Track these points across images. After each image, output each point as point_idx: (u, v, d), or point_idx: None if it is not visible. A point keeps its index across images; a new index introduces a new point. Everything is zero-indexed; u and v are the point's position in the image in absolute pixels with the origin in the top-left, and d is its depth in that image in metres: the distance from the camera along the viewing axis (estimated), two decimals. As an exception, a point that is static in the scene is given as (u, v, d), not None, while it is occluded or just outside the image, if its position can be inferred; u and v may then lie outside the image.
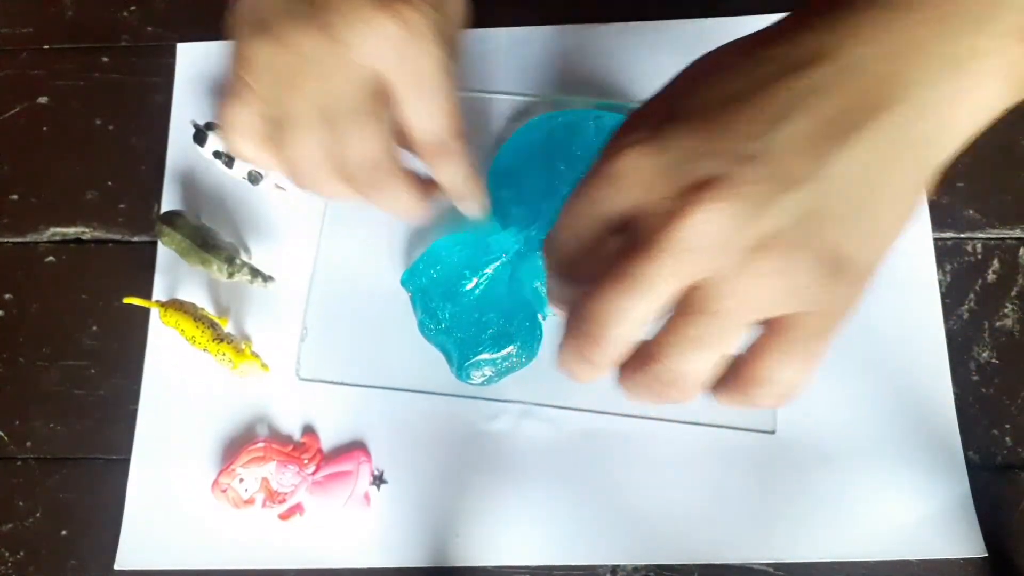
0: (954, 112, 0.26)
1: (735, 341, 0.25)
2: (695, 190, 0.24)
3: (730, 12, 0.47)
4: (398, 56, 0.33)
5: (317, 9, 0.32)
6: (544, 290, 0.43)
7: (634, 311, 0.25)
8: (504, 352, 0.42)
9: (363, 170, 0.35)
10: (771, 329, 0.25)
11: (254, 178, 0.45)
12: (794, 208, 0.24)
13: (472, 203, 0.39)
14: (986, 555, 0.40)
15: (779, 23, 0.27)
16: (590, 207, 0.27)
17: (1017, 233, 0.45)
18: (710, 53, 0.28)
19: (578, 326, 0.26)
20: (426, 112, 0.34)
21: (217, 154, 0.45)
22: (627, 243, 0.26)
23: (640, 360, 0.26)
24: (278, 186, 0.46)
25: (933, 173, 0.26)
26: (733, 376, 0.26)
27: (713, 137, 0.24)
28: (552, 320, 0.44)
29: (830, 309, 0.25)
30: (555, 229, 0.29)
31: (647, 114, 0.27)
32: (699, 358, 0.25)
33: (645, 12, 0.48)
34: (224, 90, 0.36)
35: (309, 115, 0.34)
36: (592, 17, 0.49)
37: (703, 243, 0.24)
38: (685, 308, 0.25)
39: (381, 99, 0.34)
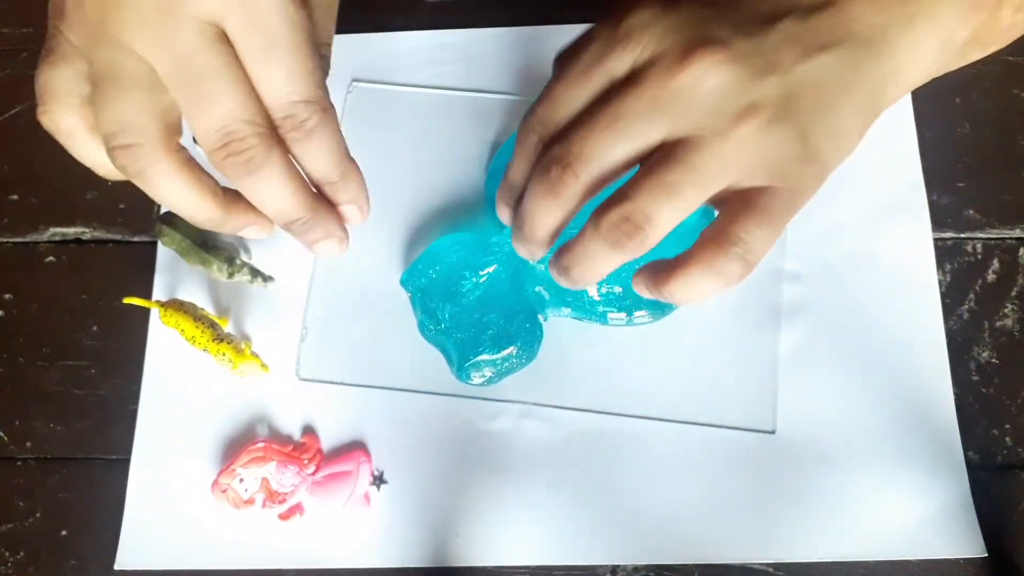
0: (911, 62, 0.28)
1: (703, 199, 0.27)
2: (698, 46, 0.26)
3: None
4: (235, 3, 0.26)
5: None
6: (546, 293, 0.43)
7: (617, 148, 0.26)
8: (504, 353, 0.42)
9: (218, 139, 0.27)
10: (743, 197, 0.27)
11: None
12: (779, 86, 0.26)
13: (345, 202, 0.31)
14: (986, 555, 0.40)
15: None
16: (595, 64, 0.28)
17: (1017, 233, 0.45)
18: None
19: (559, 157, 0.27)
20: (270, 75, 0.27)
21: None
22: (622, 84, 0.27)
23: (612, 201, 0.27)
24: None
25: (878, 111, 0.28)
26: (707, 240, 0.27)
27: (721, 9, 0.26)
28: (553, 321, 0.44)
29: (796, 187, 0.27)
30: (552, 88, 0.29)
31: None
32: (670, 206, 0.26)
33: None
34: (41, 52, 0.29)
35: (133, 70, 0.27)
36: (592, 17, 0.48)
37: (696, 95, 0.26)
38: (665, 156, 0.26)
39: (227, 52, 0.27)
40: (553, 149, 0.27)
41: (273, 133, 0.28)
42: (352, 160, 0.30)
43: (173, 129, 0.28)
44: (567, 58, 0.29)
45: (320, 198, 0.30)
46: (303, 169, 0.29)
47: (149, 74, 0.27)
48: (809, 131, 0.26)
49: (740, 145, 0.26)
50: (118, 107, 0.27)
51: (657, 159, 0.26)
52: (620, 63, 0.27)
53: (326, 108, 0.28)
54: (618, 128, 0.26)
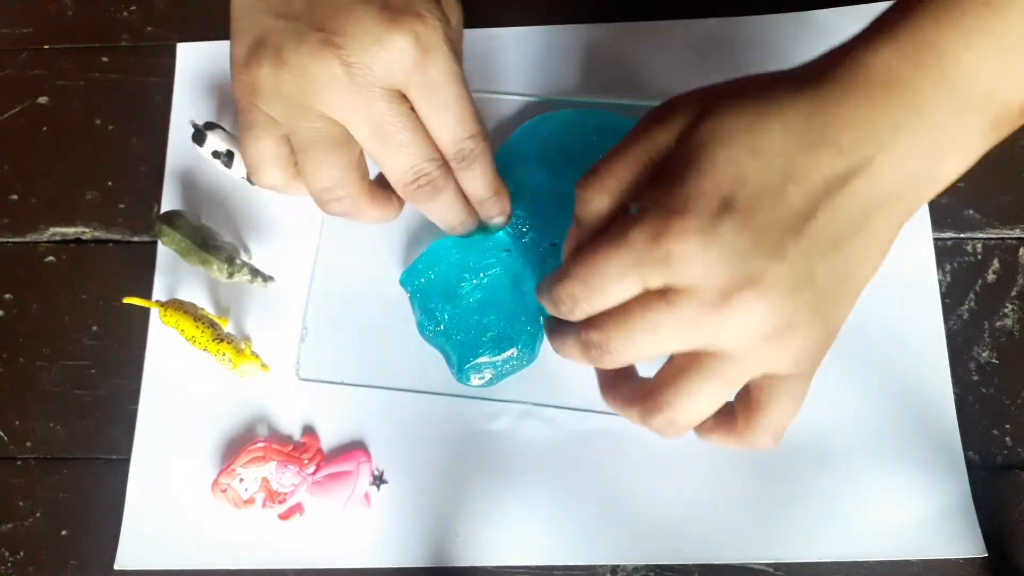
0: (939, 187, 0.29)
1: (731, 395, 0.30)
2: (739, 287, 0.27)
3: (731, 12, 0.47)
4: (414, 72, 0.32)
5: (325, 30, 0.31)
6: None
7: (653, 349, 0.29)
8: (505, 355, 0.42)
9: (412, 179, 0.35)
10: (768, 381, 0.30)
11: None
12: (812, 298, 0.28)
13: (497, 213, 0.39)
14: (986, 555, 0.40)
15: (795, 89, 0.29)
16: (631, 270, 0.29)
17: (1017, 233, 0.45)
18: (743, 113, 0.29)
19: (598, 343, 0.30)
20: (444, 123, 0.34)
21: (216, 154, 0.45)
22: (657, 297, 0.29)
23: (645, 395, 0.31)
24: None
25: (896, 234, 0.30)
26: (738, 420, 0.32)
27: (758, 235, 0.27)
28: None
29: (816, 366, 0.30)
30: (587, 271, 0.30)
31: (701, 193, 0.28)
32: (696, 407, 0.30)
33: (646, 12, 0.48)
34: (239, 123, 0.35)
35: (330, 135, 0.33)
36: (593, 17, 0.49)
37: (735, 327, 0.28)
38: (697, 364, 0.29)
39: (407, 109, 0.33)
40: (592, 333, 0.31)
41: (448, 166, 0.35)
42: (501, 180, 0.38)
43: (364, 172, 0.36)
44: (602, 244, 0.30)
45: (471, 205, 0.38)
46: (466, 190, 0.37)
47: (344, 135, 0.33)
48: (835, 321, 0.30)
49: (767, 356, 0.29)
50: (324, 170, 0.34)
51: (687, 363, 0.30)
52: (656, 279, 0.29)
53: (486, 139, 0.36)
54: (658, 336, 0.29)
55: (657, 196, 0.29)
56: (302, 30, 0.32)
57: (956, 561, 0.40)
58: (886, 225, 0.29)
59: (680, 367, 0.30)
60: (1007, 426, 0.42)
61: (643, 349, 0.30)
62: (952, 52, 0.27)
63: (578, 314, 0.31)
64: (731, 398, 0.31)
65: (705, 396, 0.30)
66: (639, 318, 0.29)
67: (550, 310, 0.32)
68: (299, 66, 0.31)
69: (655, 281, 0.29)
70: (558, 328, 0.33)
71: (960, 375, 0.43)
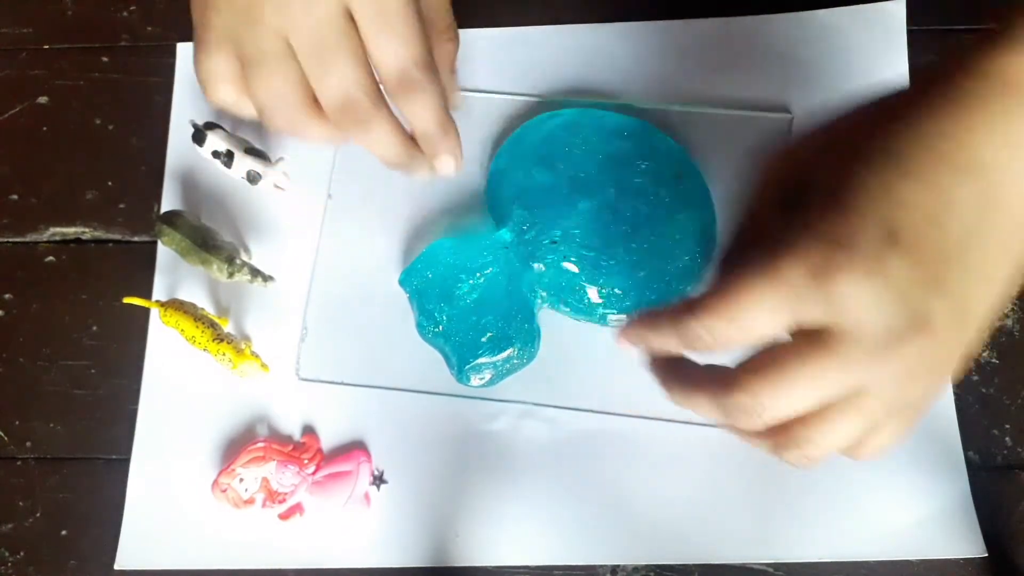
0: None
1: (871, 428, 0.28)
2: (908, 331, 0.26)
3: (731, 12, 0.47)
4: None
5: None
6: (542, 297, 0.43)
7: (808, 403, 0.27)
8: (504, 355, 0.42)
9: (339, 104, 0.33)
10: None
11: (253, 178, 0.45)
12: (965, 338, 0.27)
13: (443, 150, 0.36)
14: (986, 555, 0.40)
15: (933, 105, 0.27)
16: (783, 312, 0.27)
17: (1017, 233, 0.45)
18: (891, 129, 0.27)
19: (747, 408, 0.28)
20: (388, 42, 0.33)
21: (216, 154, 0.45)
22: (813, 343, 0.27)
23: (791, 435, 0.29)
24: (277, 186, 0.46)
25: None
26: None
27: (924, 272, 0.26)
28: (554, 322, 0.44)
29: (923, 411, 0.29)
30: (729, 296, 0.28)
31: (864, 224, 0.26)
32: (839, 442, 0.29)
33: (645, 12, 0.48)
34: (194, 42, 0.34)
35: (275, 49, 0.33)
36: (592, 17, 0.49)
37: (901, 374, 0.26)
38: (856, 410, 0.27)
39: (349, 29, 0.32)
40: (737, 396, 0.28)
41: (381, 98, 0.33)
42: (451, 117, 0.35)
43: (307, 88, 0.33)
44: (752, 276, 0.28)
45: (416, 145, 0.36)
46: (411, 122, 0.35)
47: (286, 48, 0.32)
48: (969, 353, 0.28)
49: (917, 392, 0.28)
50: (268, 82, 0.33)
51: (843, 407, 0.28)
52: (814, 317, 0.26)
53: (432, 69, 0.34)
54: (819, 385, 0.27)
55: (813, 224, 0.27)
56: None
57: (956, 561, 0.40)
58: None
59: (838, 409, 0.28)
60: (1007, 426, 0.42)
61: (799, 402, 0.27)
62: None
63: (717, 347, 0.28)
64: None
65: (845, 433, 0.28)
66: (796, 368, 0.27)
67: (672, 342, 0.29)
68: None
69: (812, 319, 0.26)
70: (680, 378, 0.30)
71: (960, 375, 0.43)
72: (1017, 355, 0.43)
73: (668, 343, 0.30)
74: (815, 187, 0.28)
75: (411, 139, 0.35)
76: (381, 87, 0.34)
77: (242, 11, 0.32)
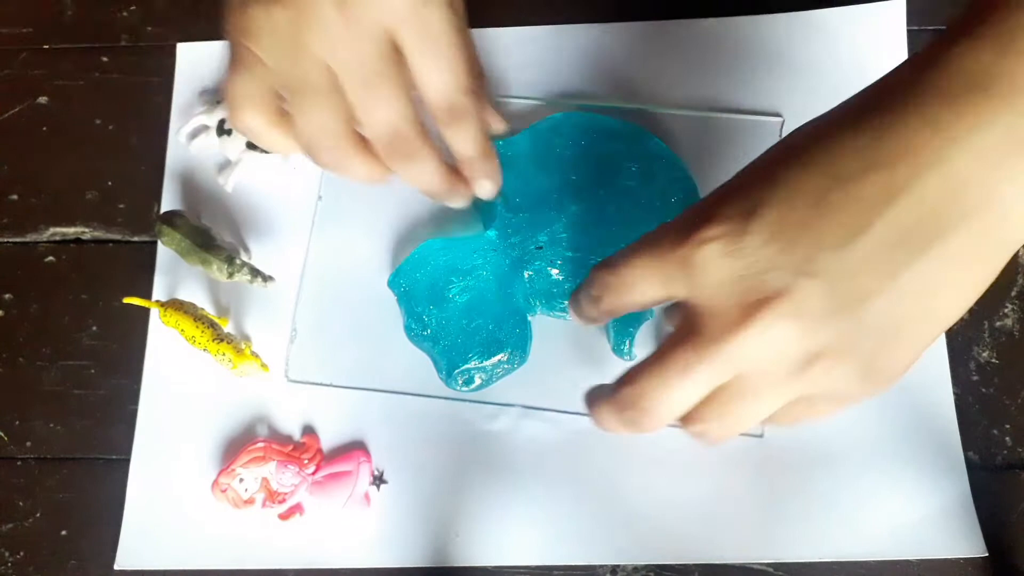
0: None
1: (770, 413, 0.28)
2: (761, 303, 0.25)
3: (731, 12, 0.47)
4: (407, 11, 0.31)
5: None
6: (537, 306, 0.43)
7: (681, 394, 0.27)
8: (494, 360, 0.42)
9: (388, 138, 0.33)
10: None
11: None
12: (851, 326, 0.25)
13: (484, 174, 0.37)
14: (986, 555, 0.40)
15: (862, 102, 0.26)
16: (654, 281, 0.28)
17: (1017, 233, 0.45)
18: (802, 130, 0.27)
19: (627, 394, 0.29)
20: (435, 68, 0.32)
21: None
22: (686, 329, 0.27)
23: (687, 419, 0.29)
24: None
25: (1000, 268, 0.25)
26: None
27: (786, 247, 0.25)
28: (552, 324, 0.44)
29: (853, 401, 0.28)
30: (617, 266, 0.29)
31: (731, 200, 0.27)
32: (726, 425, 0.28)
33: (647, 12, 0.48)
34: (226, 62, 0.33)
35: (321, 81, 0.31)
36: (592, 17, 0.48)
37: (758, 353, 0.26)
38: (728, 390, 0.27)
39: (396, 60, 0.32)
40: (623, 392, 0.29)
41: (425, 129, 0.33)
42: (491, 141, 0.36)
43: (352, 122, 0.33)
44: (631, 247, 0.29)
45: (456, 174, 0.36)
46: (453, 148, 0.35)
47: (331, 80, 0.31)
48: (882, 358, 0.26)
49: (800, 385, 0.26)
50: (313, 115, 0.32)
51: (721, 387, 0.27)
52: (678, 287, 0.27)
53: (480, 98, 0.34)
54: (685, 381, 0.27)
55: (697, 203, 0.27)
56: None
57: (956, 561, 0.40)
58: (968, 248, 0.24)
59: (715, 395, 0.28)
60: (1007, 426, 0.42)
61: (678, 394, 0.27)
62: None
63: (602, 309, 0.30)
64: (769, 415, 0.28)
65: (743, 418, 0.28)
66: (671, 361, 0.27)
67: (574, 312, 0.32)
68: (292, 3, 0.31)
69: (679, 292, 0.27)
70: (595, 398, 0.31)
71: (960, 375, 0.43)
72: (1017, 355, 0.43)
73: (580, 318, 0.32)
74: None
75: (451, 168, 0.36)
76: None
77: (286, 38, 0.31)
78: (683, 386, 0.27)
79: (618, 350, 0.42)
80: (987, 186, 0.23)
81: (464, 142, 0.35)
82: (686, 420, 0.29)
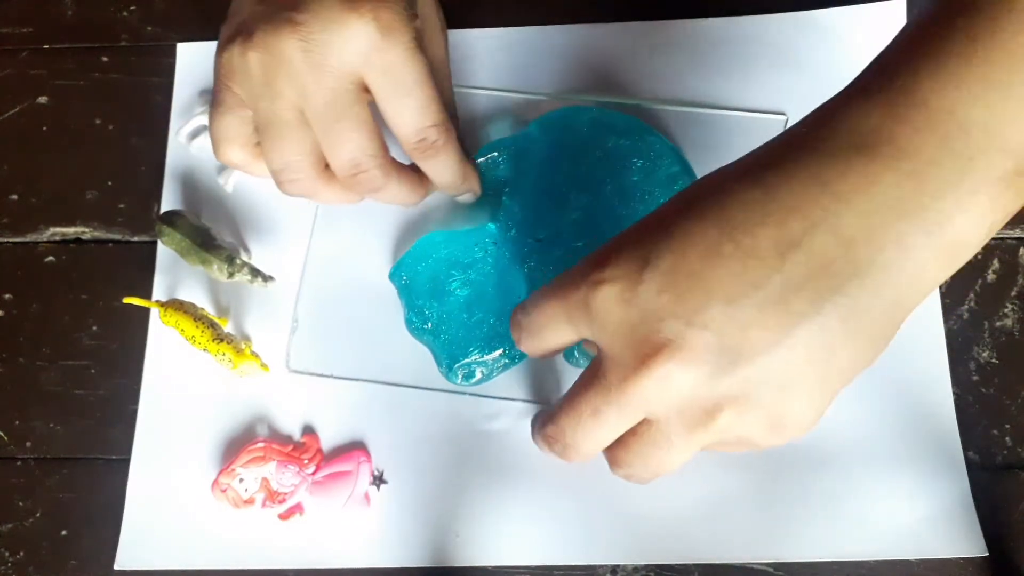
0: (929, 269, 0.25)
1: (687, 459, 0.29)
2: (656, 351, 0.25)
3: (731, 12, 0.47)
4: (373, 55, 0.33)
5: (291, 11, 0.32)
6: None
7: (596, 433, 0.29)
8: (495, 354, 0.42)
9: (350, 172, 0.35)
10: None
11: None
12: (745, 378, 0.25)
13: (465, 192, 0.41)
14: (986, 555, 0.40)
15: (759, 157, 0.27)
16: (561, 322, 0.29)
17: (1017, 233, 0.45)
18: (700, 182, 0.28)
19: (555, 439, 0.31)
20: (404, 109, 0.34)
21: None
22: (594, 370, 0.29)
23: (613, 465, 0.31)
24: None
25: (897, 327, 0.26)
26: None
27: (678, 298, 0.25)
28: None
29: (772, 446, 0.29)
30: (529, 309, 0.31)
31: (628, 247, 0.27)
32: (648, 468, 0.30)
33: (646, 12, 0.48)
34: (212, 100, 0.36)
35: (289, 118, 0.34)
36: (592, 17, 0.49)
37: (660, 399, 0.26)
38: (642, 436, 0.29)
39: (360, 100, 0.34)
40: (547, 427, 0.32)
41: (390, 162, 0.36)
42: (470, 163, 0.40)
43: (320, 156, 0.35)
44: (542, 291, 0.31)
45: (428, 183, 0.39)
46: (431, 177, 0.38)
47: (299, 118, 0.34)
48: (785, 410, 0.26)
49: (704, 433, 0.27)
50: (281, 150, 0.34)
51: (632, 432, 0.29)
52: (584, 331, 0.29)
53: (449, 129, 0.36)
54: (600, 416, 0.28)
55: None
56: (274, 12, 0.33)
57: (956, 561, 0.40)
58: (862, 305, 0.24)
59: (627, 438, 0.29)
60: (1007, 426, 0.42)
61: (592, 434, 0.29)
62: (940, 102, 0.23)
63: (525, 349, 0.32)
64: (686, 460, 0.29)
65: (645, 460, 0.29)
66: (583, 402, 0.29)
67: (514, 334, 0.34)
68: (263, 45, 0.32)
69: (584, 332, 0.29)
70: (533, 428, 0.34)
71: (960, 375, 0.43)
72: (1017, 355, 0.43)
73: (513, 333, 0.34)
74: None
75: (423, 180, 0.38)
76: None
77: (259, 79, 0.33)
78: (596, 426, 0.29)
79: (568, 356, 0.42)
80: (873, 246, 0.24)
81: (441, 174, 0.38)
82: (613, 465, 0.31)
